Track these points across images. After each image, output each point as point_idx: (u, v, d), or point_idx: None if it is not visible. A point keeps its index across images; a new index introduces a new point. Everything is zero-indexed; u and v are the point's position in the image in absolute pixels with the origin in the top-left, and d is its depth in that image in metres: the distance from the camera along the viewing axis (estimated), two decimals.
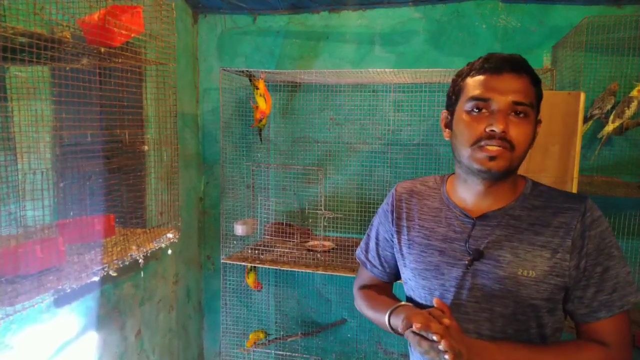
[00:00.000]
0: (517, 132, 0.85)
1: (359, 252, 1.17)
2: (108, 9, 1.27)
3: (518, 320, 0.89)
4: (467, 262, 0.91)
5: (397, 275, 1.13)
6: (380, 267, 1.12)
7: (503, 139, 0.84)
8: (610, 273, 0.87)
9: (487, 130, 0.85)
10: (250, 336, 2.49)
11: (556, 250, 0.87)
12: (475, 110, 0.88)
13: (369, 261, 1.14)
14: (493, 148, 0.84)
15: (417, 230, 1.00)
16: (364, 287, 1.15)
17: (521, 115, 0.86)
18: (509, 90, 0.85)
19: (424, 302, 0.99)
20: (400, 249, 1.04)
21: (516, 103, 0.85)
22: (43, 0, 1.11)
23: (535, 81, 0.89)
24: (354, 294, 1.18)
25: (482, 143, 0.85)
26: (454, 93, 0.94)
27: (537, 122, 0.92)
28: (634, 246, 2.14)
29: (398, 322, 0.89)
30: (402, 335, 0.89)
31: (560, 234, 0.88)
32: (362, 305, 1.12)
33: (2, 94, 1.30)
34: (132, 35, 1.35)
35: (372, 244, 1.13)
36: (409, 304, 1.00)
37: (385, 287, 1.15)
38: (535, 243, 0.89)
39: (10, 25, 1.01)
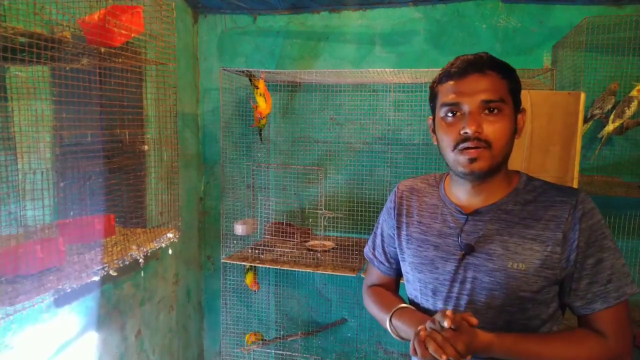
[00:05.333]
0: (492, 129, 0.87)
1: (367, 249, 1.21)
2: (108, 9, 1.27)
3: (507, 312, 0.91)
4: (459, 256, 0.94)
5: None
6: (387, 264, 1.15)
7: (478, 139, 0.87)
8: (603, 264, 0.88)
9: (461, 133, 0.87)
10: (246, 338, 2.50)
11: (547, 243, 0.89)
12: (449, 115, 0.91)
13: (376, 258, 1.17)
14: (471, 150, 0.87)
15: (416, 226, 1.04)
16: (372, 286, 1.19)
17: (494, 111, 0.88)
18: (476, 90, 0.87)
19: (420, 295, 1.03)
20: (400, 244, 1.07)
21: (485, 101, 0.87)
22: (43, 0, 1.11)
23: (505, 74, 0.90)
24: (363, 293, 1.21)
25: (461, 146, 0.88)
26: (432, 100, 0.98)
27: (519, 111, 0.94)
28: (634, 246, 2.14)
29: (398, 324, 0.98)
30: (401, 339, 0.98)
31: (551, 227, 0.89)
32: (369, 305, 1.15)
33: (2, 94, 1.30)
34: (132, 35, 1.35)
35: (378, 241, 1.17)
36: (409, 307, 1.04)
37: (391, 285, 1.18)
38: (526, 236, 0.90)
39: (10, 25, 1.01)
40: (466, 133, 0.87)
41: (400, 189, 1.12)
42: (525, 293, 0.89)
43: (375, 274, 1.19)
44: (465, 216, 0.96)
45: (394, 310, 1.01)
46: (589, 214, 0.89)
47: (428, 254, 1.00)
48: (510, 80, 0.91)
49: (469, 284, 0.93)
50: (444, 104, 0.91)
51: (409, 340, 0.93)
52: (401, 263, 1.10)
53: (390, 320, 1.00)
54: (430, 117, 1.01)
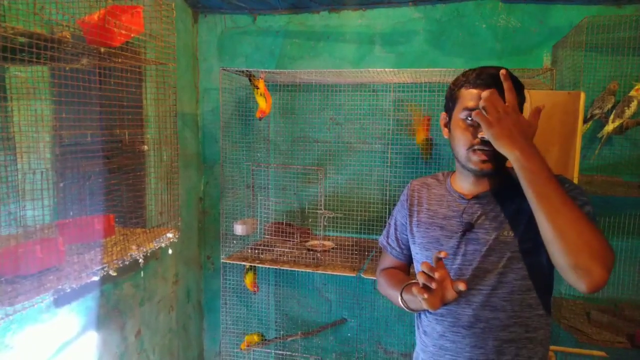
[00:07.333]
0: None
1: (382, 238, 1.39)
2: (108, 9, 1.27)
3: (502, 274, 1.06)
4: (460, 233, 1.11)
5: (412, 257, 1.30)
6: (398, 249, 1.32)
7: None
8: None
9: (479, 137, 1.02)
10: (246, 338, 2.50)
11: (528, 212, 1.00)
12: (469, 119, 1.05)
13: (389, 244, 1.34)
14: (485, 152, 1.03)
15: (425, 212, 1.23)
16: (384, 269, 1.36)
17: None
18: None
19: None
20: (411, 229, 1.25)
21: None
22: (43, 0, 1.11)
23: (517, 89, 1.04)
24: (377, 278, 1.38)
25: (476, 147, 1.04)
26: (451, 100, 1.12)
27: None
28: (634, 246, 2.15)
29: (407, 297, 1.12)
30: (412, 310, 1.13)
31: None
32: (382, 286, 1.31)
33: (2, 94, 1.30)
34: (132, 35, 1.35)
35: (391, 230, 1.34)
36: (417, 282, 1.14)
37: (402, 268, 1.35)
38: (511, 209, 1.08)
39: (10, 25, 1.01)
40: (484, 138, 1.00)
41: (413, 184, 1.31)
42: (515, 253, 1.05)
43: (388, 259, 1.36)
44: (467, 201, 1.14)
45: (404, 286, 1.15)
46: (565, 185, 1.01)
47: (434, 234, 1.16)
48: (519, 94, 1.05)
49: (470, 255, 1.09)
50: (467, 108, 1.04)
51: (419, 311, 1.17)
52: (411, 246, 1.26)
53: (401, 295, 1.14)
54: (444, 113, 1.16)
